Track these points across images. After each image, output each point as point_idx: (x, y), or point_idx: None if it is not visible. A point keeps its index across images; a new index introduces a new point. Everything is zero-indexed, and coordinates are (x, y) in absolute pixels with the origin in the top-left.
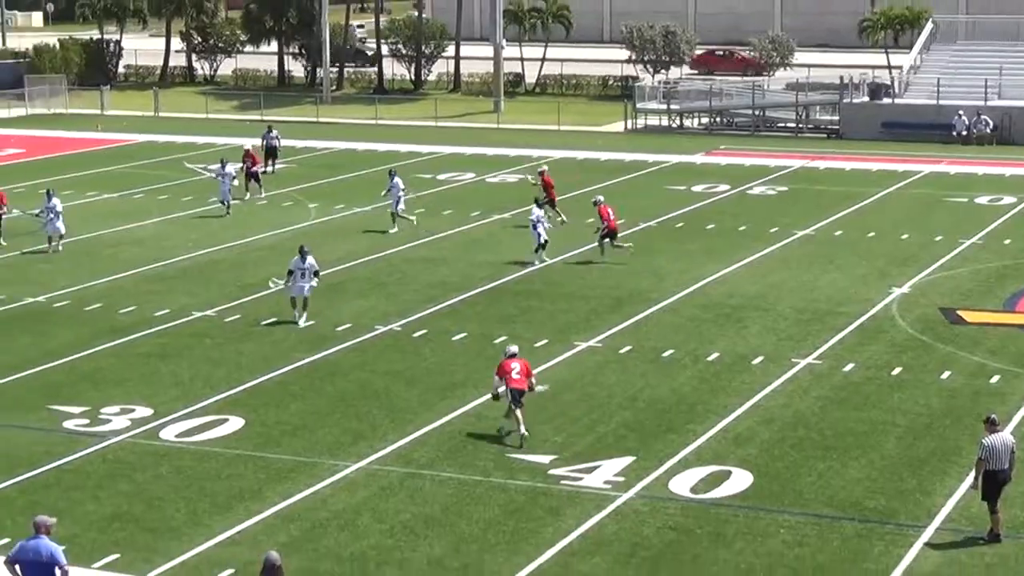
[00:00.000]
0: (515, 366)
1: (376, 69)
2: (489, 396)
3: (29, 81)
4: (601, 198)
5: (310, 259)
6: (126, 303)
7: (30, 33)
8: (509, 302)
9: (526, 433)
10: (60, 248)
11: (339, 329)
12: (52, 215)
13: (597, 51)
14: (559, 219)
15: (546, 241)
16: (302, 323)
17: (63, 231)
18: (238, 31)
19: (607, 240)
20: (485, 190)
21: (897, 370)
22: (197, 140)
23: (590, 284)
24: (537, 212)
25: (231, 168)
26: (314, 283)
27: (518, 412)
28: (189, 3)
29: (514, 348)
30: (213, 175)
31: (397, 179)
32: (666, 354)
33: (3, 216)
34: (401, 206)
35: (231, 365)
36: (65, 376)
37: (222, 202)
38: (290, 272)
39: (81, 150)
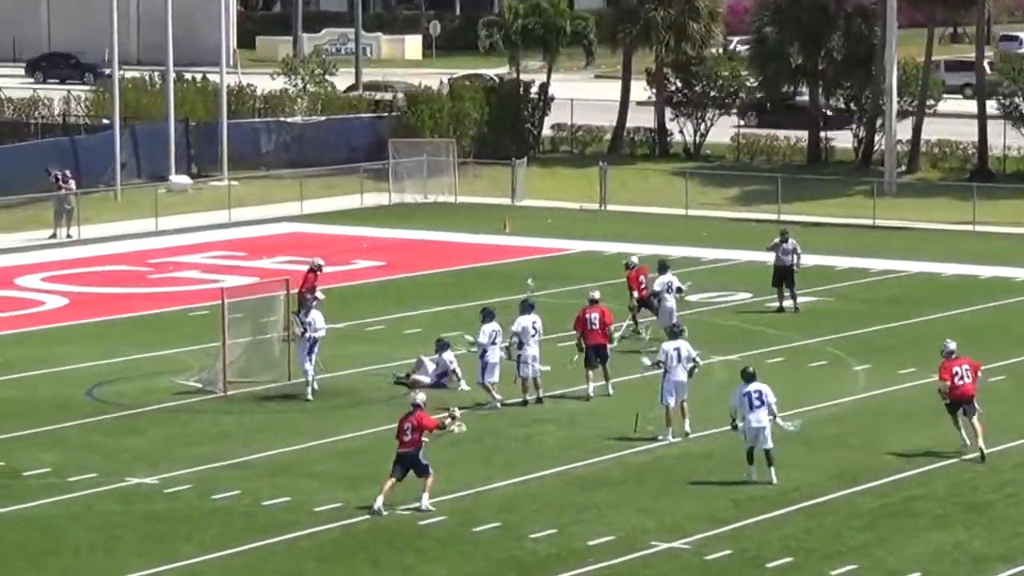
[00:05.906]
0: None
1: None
2: None
3: (396, 148)
4: (635, 259)
5: None
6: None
7: (402, 69)
8: None
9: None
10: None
11: None
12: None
13: None
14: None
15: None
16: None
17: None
18: (743, 71)
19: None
20: None
21: None
22: (671, 251)
23: None
24: None
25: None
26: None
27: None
28: (663, 23)
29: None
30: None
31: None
32: None
33: None
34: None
35: None
36: None
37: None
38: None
39: (475, 264)
